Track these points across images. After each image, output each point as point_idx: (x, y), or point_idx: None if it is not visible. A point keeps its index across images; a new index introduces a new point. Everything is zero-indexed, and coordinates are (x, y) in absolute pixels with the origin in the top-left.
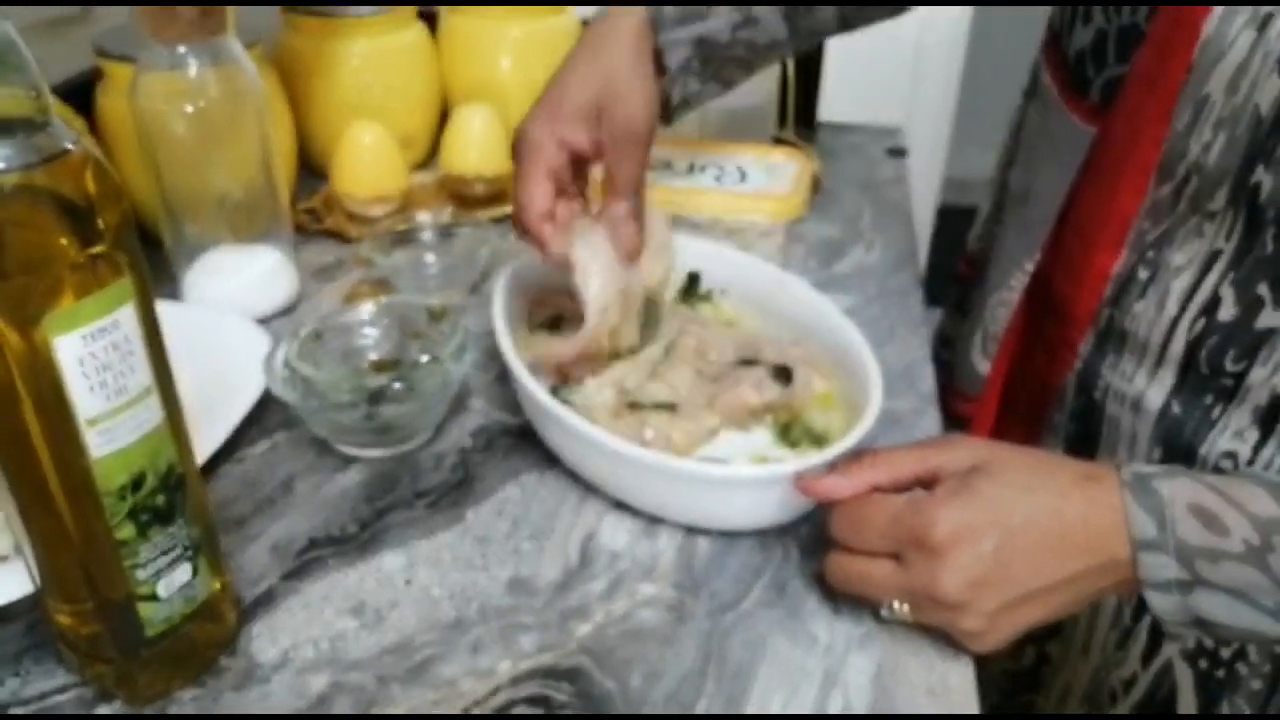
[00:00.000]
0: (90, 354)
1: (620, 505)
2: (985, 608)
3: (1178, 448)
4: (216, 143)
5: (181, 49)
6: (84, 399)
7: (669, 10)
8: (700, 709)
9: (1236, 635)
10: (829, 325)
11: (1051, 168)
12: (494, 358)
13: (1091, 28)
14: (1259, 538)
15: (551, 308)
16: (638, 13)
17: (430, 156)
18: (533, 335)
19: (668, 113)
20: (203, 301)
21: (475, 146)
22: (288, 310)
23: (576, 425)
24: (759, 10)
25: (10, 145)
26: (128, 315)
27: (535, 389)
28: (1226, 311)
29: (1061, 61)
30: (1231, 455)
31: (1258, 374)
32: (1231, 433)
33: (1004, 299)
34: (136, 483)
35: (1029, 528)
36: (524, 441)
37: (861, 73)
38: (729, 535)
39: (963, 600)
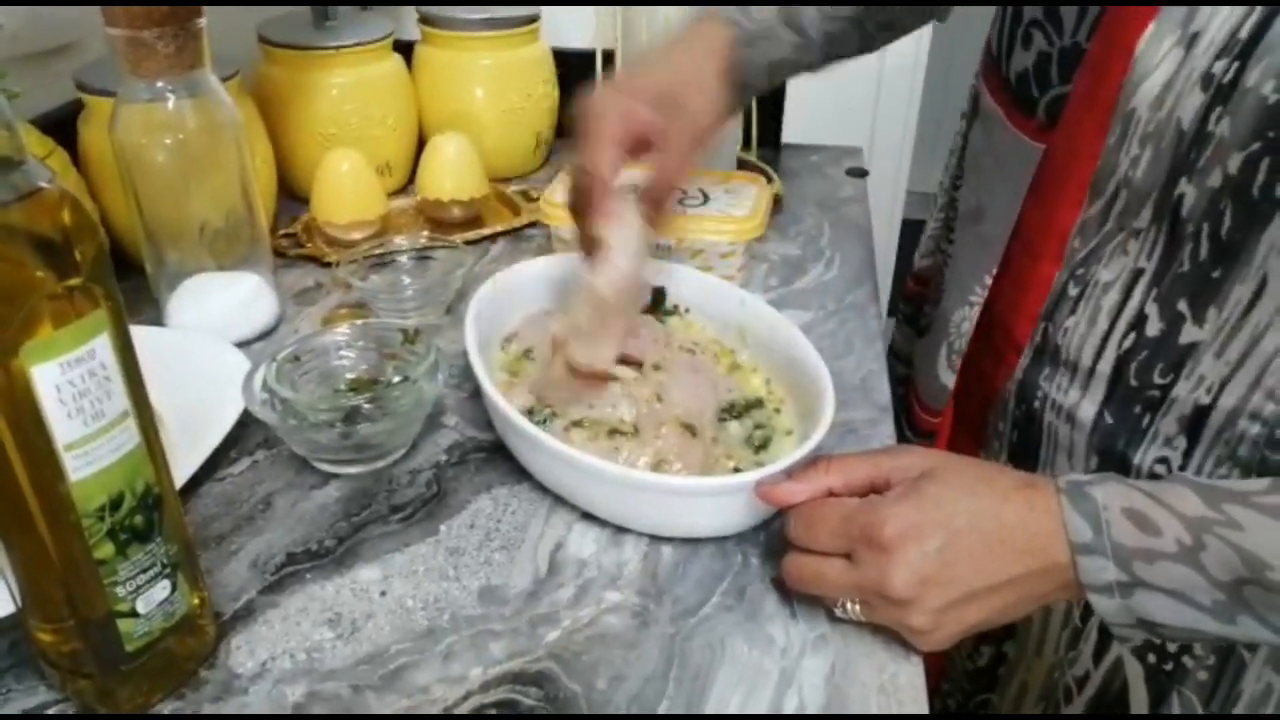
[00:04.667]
0: (68, 382)
1: (588, 516)
2: (931, 605)
3: (1113, 457)
4: (196, 173)
5: (160, 83)
6: (62, 425)
7: (753, 29)
8: (662, 710)
9: (1180, 634)
10: (785, 340)
11: (1002, 185)
12: (468, 376)
13: (1033, 50)
14: (1190, 537)
15: (525, 341)
16: (726, 27)
17: (407, 182)
18: (508, 358)
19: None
20: (185, 326)
21: (450, 173)
22: (268, 333)
23: (545, 441)
24: (811, 29)
25: None
26: (104, 344)
27: (507, 407)
28: (1153, 327)
29: (1003, 84)
30: (1164, 461)
31: (1182, 387)
32: (1162, 440)
33: (967, 314)
34: (115, 503)
35: (972, 529)
36: (495, 456)
37: (825, 94)
38: (691, 543)
39: (910, 596)
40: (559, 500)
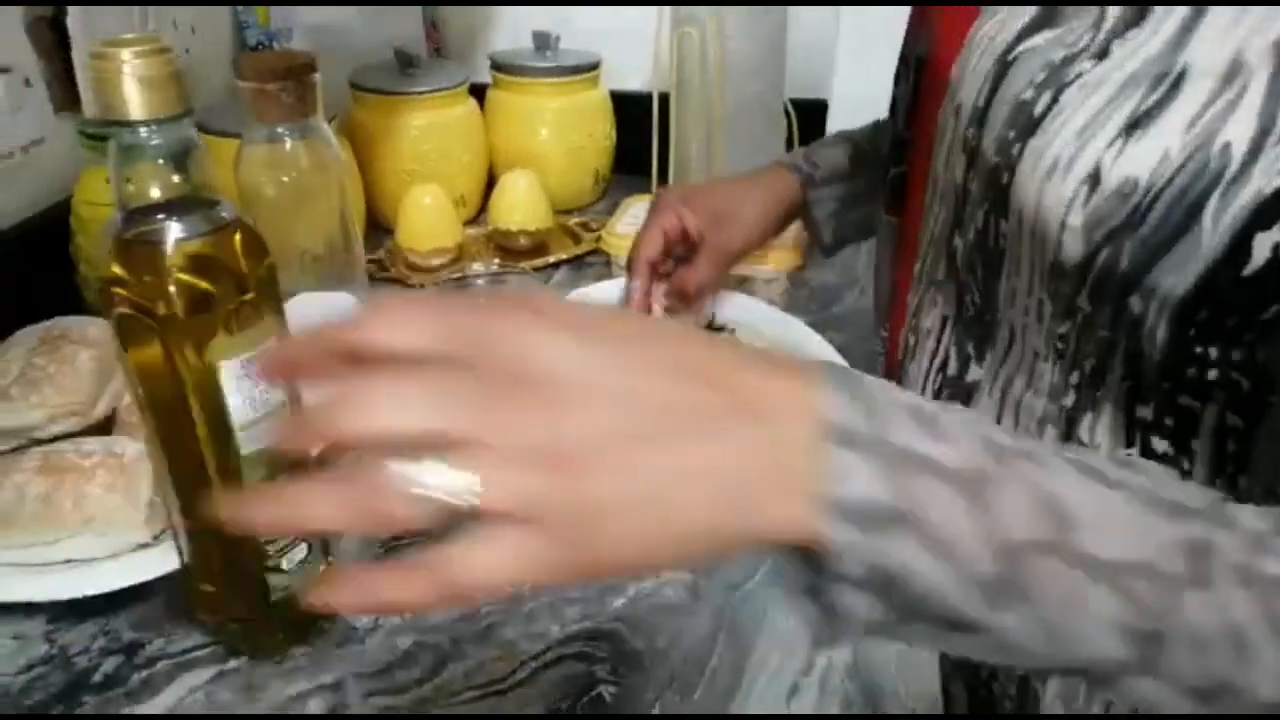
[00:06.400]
0: (244, 375)
1: None
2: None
3: None
4: (304, 205)
5: (280, 128)
6: (238, 410)
7: (820, 174)
8: (711, 665)
9: (922, 633)
10: (824, 358)
11: (880, 255)
12: None
13: (887, 135)
14: (984, 458)
15: None
16: (792, 173)
17: (480, 214)
18: None
19: (825, 248)
20: None
21: (519, 205)
22: None
23: None
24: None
25: (194, 219)
26: (270, 346)
27: None
28: (952, 367)
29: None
30: None
31: None
32: None
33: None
34: (271, 476)
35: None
36: None
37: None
38: None
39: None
40: None
